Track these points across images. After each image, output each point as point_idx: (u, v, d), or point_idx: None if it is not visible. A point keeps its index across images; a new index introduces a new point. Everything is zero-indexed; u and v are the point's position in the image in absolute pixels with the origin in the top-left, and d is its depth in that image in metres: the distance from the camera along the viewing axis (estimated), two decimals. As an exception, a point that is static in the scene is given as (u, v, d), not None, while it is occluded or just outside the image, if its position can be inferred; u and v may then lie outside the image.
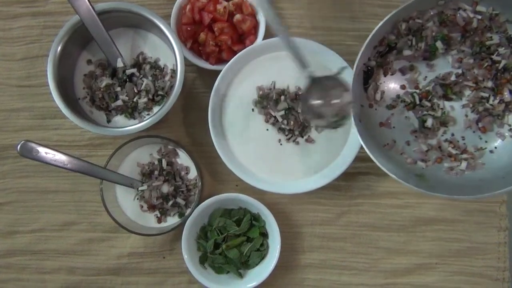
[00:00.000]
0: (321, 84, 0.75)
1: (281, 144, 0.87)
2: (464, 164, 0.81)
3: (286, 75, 0.88)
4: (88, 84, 0.90)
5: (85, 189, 0.94)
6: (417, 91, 0.85)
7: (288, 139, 0.87)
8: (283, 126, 0.87)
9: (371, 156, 0.75)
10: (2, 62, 0.96)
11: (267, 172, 0.87)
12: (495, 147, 0.82)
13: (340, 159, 0.86)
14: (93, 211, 0.94)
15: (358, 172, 0.91)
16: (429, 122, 0.83)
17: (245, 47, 0.87)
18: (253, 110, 0.88)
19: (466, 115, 0.83)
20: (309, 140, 0.87)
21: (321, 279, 0.91)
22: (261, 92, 0.88)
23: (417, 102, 0.84)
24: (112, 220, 0.85)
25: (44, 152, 0.76)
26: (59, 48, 0.84)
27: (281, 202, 0.92)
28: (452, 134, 0.84)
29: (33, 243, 0.94)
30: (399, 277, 0.91)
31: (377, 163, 0.75)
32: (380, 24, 0.76)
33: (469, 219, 0.91)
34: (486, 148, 0.82)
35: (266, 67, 0.88)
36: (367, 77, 0.85)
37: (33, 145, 0.75)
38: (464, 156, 0.82)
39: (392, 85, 0.86)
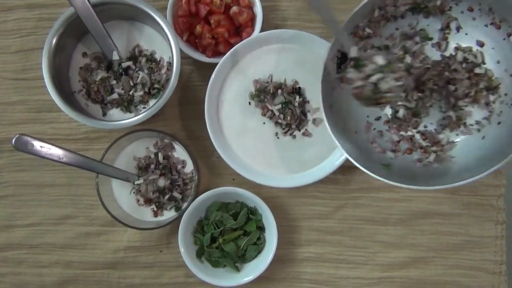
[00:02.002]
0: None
1: (278, 138, 0.87)
2: (432, 156, 0.81)
3: (283, 68, 0.87)
4: (83, 77, 0.89)
5: (81, 183, 0.93)
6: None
7: (285, 132, 0.87)
8: (280, 119, 0.86)
9: (337, 143, 0.75)
10: (-3, 55, 0.95)
11: (264, 166, 0.87)
12: (466, 141, 0.81)
13: (337, 153, 0.86)
14: (89, 205, 0.93)
15: (356, 165, 0.91)
16: (401, 112, 0.83)
17: (242, 40, 0.86)
18: (250, 103, 0.88)
19: (441, 107, 0.83)
20: (306, 134, 0.87)
21: (318, 272, 0.91)
22: (258, 86, 0.87)
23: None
24: (108, 214, 0.85)
25: (39, 146, 0.75)
26: (54, 41, 0.83)
27: (278, 196, 0.92)
28: (425, 126, 0.83)
29: (30, 237, 0.94)
30: (396, 271, 0.91)
31: (342, 149, 0.75)
32: (355, 10, 0.75)
33: (467, 213, 0.91)
34: (457, 141, 0.81)
35: (263, 60, 0.88)
36: (341, 62, 0.82)
37: (28, 138, 0.74)
38: (434, 148, 0.81)
39: None
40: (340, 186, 0.92)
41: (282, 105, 0.86)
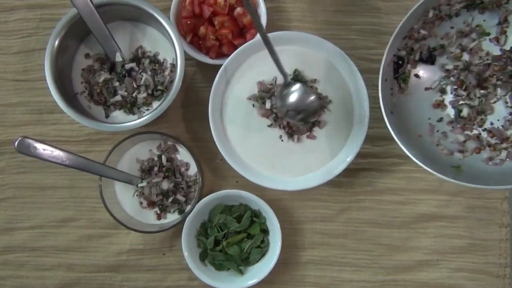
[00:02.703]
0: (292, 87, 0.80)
1: (282, 141, 0.86)
2: (504, 154, 0.79)
3: (288, 70, 0.86)
4: (86, 79, 0.89)
5: (84, 185, 0.93)
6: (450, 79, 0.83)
7: (290, 135, 0.86)
8: (284, 122, 0.85)
9: (403, 149, 0.74)
10: (-2, 56, 0.95)
11: (267, 169, 0.86)
12: None
13: (342, 156, 0.85)
14: (91, 207, 0.93)
15: (359, 168, 0.90)
16: (465, 111, 0.82)
17: (246, 41, 0.86)
18: (253, 105, 0.87)
19: (506, 102, 0.81)
20: (311, 137, 0.86)
21: (322, 275, 0.91)
22: (262, 87, 0.86)
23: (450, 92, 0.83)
24: (111, 216, 0.84)
25: (42, 149, 0.74)
26: (56, 42, 0.82)
27: (282, 199, 0.91)
28: (491, 123, 0.82)
29: (32, 239, 0.93)
30: (400, 274, 0.91)
31: (409, 155, 0.73)
32: (409, 13, 0.75)
33: (471, 216, 0.91)
34: None
35: (267, 62, 0.86)
36: (398, 67, 0.83)
37: (31, 141, 0.74)
38: (504, 145, 0.80)
39: (425, 74, 0.85)
40: (343, 189, 0.92)
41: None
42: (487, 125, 0.82)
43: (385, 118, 0.75)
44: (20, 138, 0.73)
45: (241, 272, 0.87)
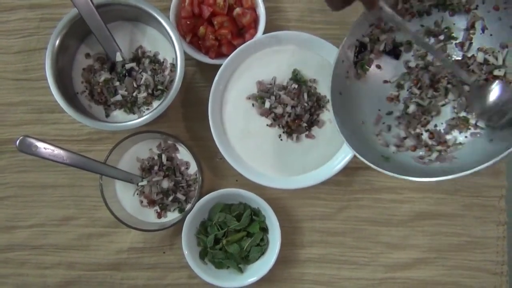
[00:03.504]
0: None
1: (281, 140, 0.87)
2: (434, 155, 0.79)
3: (287, 69, 0.87)
4: (86, 78, 0.89)
5: (84, 183, 0.93)
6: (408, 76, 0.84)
7: (289, 134, 0.87)
8: (283, 121, 0.86)
9: (337, 128, 0.76)
10: (-2, 55, 0.95)
11: (267, 167, 0.87)
12: (472, 143, 0.80)
13: (340, 154, 0.86)
14: (92, 206, 0.93)
15: (358, 167, 0.91)
16: (412, 108, 0.83)
17: (245, 41, 0.86)
18: (253, 105, 0.87)
19: (454, 107, 0.82)
20: (310, 136, 0.87)
21: (321, 273, 0.92)
22: (261, 87, 0.87)
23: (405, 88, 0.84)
24: (111, 215, 0.85)
25: (43, 148, 0.75)
26: (57, 42, 0.83)
27: (281, 197, 0.92)
28: (435, 125, 0.83)
29: (33, 238, 0.94)
30: (399, 271, 0.91)
31: (342, 136, 0.75)
32: None
33: (468, 214, 0.91)
34: (464, 143, 0.80)
35: (266, 61, 0.88)
36: (359, 52, 0.83)
37: (32, 140, 0.74)
38: (439, 147, 0.80)
39: (387, 66, 0.85)
40: (342, 188, 0.92)
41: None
42: (430, 126, 0.83)
43: (330, 95, 0.77)
44: (21, 137, 0.74)
45: (241, 270, 0.88)
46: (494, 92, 0.75)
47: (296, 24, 0.93)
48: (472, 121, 0.80)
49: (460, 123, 0.81)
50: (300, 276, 0.92)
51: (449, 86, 0.81)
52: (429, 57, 0.83)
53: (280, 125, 0.87)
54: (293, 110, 0.86)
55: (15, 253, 0.94)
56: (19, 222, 0.94)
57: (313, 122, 0.87)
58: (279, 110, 0.86)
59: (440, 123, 0.83)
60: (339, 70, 0.79)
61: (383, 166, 0.72)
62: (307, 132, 0.87)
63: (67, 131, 0.94)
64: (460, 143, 0.80)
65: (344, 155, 0.85)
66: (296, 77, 0.87)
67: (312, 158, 0.87)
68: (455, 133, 0.81)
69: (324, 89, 0.87)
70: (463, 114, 0.81)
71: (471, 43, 0.81)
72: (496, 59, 0.79)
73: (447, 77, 0.82)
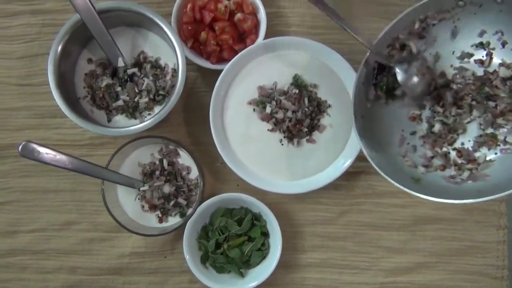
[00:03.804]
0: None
1: (282, 145, 0.87)
2: (466, 174, 0.77)
3: (288, 75, 0.88)
4: (88, 83, 0.90)
5: (86, 188, 0.94)
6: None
7: (290, 139, 0.87)
8: (284, 126, 0.86)
9: (364, 152, 0.74)
10: (1, 61, 0.96)
11: (268, 172, 0.88)
12: (503, 160, 0.77)
13: (341, 159, 0.87)
14: (93, 210, 0.93)
15: (359, 171, 0.91)
16: (437, 127, 0.81)
17: (246, 47, 0.87)
18: (254, 110, 0.88)
19: (480, 124, 0.80)
20: (310, 141, 0.87)
21: (322, 278, 0.92)
22: (262, 92, 0.87)
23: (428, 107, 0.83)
24: (113, 220, 0.85)
25: (46, 153, 0.75)
26: (59, 47, 0.83)
27: (282, 202, 0.92)
28: (462, 143, 0.81)
29: (34, 242, 0.94)
30: (400, 276, 0.91)
31: (369, 159, 0.74)
32: (395, 21, 0.75)
33: (469, 218, 0.91)
34: (494, 160, 0.78)
35: (267, 66, 0.88)
36: (378, 73, 0.82)
37: (35, 146, 0.75)
38: (469, 166, 0.78)
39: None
40: (343, 192, 0.92)
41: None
42: (457, 144, 0.81)
43: (353, 120, 0.76)
44: (24, 143, 0.74)
45: (242, 275, 0.88)
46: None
47: (296, 29, 0.94)
48: (501, 137, 0.78)
49: (488, 140, 0.79)
50: (301, 281, 0.92)
51: (473, 103, 0.80)
52: (449, 75, 0.82)
53: (281, 130, 0.87)
54: (294, 115, 0.86)
55: (16, 257, 0.94)
56: (21, 227, 0.94)
57: (314, 127, 0.87)
58: (280, 115, 0.86)
59: (467, 140, 0.80)
60: (359, 93, 0.78)
61: (415, 189, 0.71)
62: (308, 137, 0.87)
63: (69, 136, 0.94)
64: (490, 160, 0.78)
65: (345, 159, 0.86)
66: (297, 82, 0.87)
67: (313, 162, 0.87)
68: (484, 150, 0.79)
69: (324, 94, 0.88)
70: (490, 130, 0.79)
71: (491, 58, 0.80)
72: None
73: (471, 94, 0.80)
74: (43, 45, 0.95)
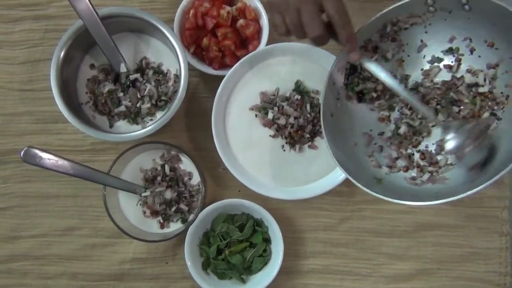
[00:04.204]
0: None
1: (284, 150, 0.87)
2: (426, 176, 0.79)
3: (290, 80, 0.88)
4: (91, 89, 0.90)
5: (87, 194, 0.93)
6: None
7: (291, 145, 0.87)
8: (286, 132, 0.86)
9: (330, 152, 0.75)
10: (3, 66, 0.96)
11: (270, 178, 0.87)
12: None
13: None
14: (95, 216, 0.93)
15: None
16: (403, 129, 0.82)
17: (248, 52, 0.87)
18: (256, 116, 0.88)
19: (444, 128, 0.80)
20: (312, 147, 0.87)
21: (324, 284, 0.91)
22: (264, 98, 0.88)
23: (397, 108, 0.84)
24: (114, 225, 0.85)
25: (48, 158, 0.75)
26: (62, 53, 0.84)
27: (284, 208, 0.92)
28: (426, 146, 0.82)
29: (35, 248, 0.94)
30: (401, 283, 0.91)
31: (335, 160, 0.74)
32: (366, 24, 0.76)
33: (471, 225, 0.91)
34: (455, 164, 0.78)
35: (269, 72, 0.88)
36: (350, 74, 0.82)
37: (37, 151, 0.75)
38: (430, 168, 0.80)
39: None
40: (345, 198, 0.92)
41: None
42: (422, 146, 0.82)
43: (321, 119, 0.77)
44: (26, 148, 0.74)
45: (244, 281, 0.88)
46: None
47: (296, 34, 0.94)
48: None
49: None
50: (303, 287, 0.92)
51: (438, 107, 0.81)
52: (417, 79, 0.83)
53: (283, 136, 0.87)
54: (296, 121, 0.86)
55: (18, 263, 0.94)
56: (22, 232, 0.94)
57: (315, 133, 0.88)
58: (282, 121, 0.86)
59: (431, 143, 0.82)
60: (329, 92, 0.79)
61: (375, 189, 0.71)
62: (310, 143, 0.87)
63: (71, 141, 0.94)
64: (451, 164, 0.79)
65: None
66: (299, 88, 0.87)
67: (315, 168, 0.87)
68: (446, 154, 0.80)
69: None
70: (452, 135, 0.79)
71: (459, 64, 0.81)
72: (478, 77, 0.78)
73: (436, 99, 0.81)
74: (45, 50, 0.95)
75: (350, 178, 0.73)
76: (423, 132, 0.82)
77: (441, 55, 0.82)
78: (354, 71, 0.82)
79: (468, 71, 0.80)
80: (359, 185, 0.72)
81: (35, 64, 0.95)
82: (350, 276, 0.91)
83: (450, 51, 0.81)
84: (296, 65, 0.88)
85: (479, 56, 0.79)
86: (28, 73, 0.95)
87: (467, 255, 0.91)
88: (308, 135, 0.87)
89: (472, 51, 0.79)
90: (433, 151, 0.81)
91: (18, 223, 0.94)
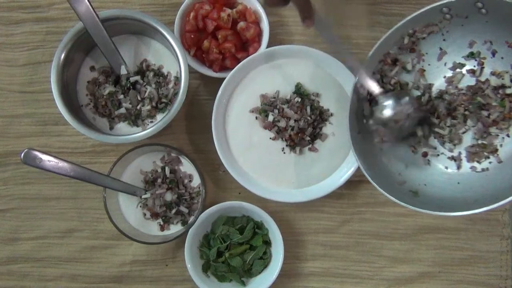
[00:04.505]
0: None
1: (284, 153, 0.87)
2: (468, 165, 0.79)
3: (290, 83, 0.88)
4: (91, 91, 0.90)
5: (87, 196, 0.93)
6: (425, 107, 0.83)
7: (292, 148, 0.87)
8: (286, 135, 0.86)
9: (362, 168, 0.75)
10: (4, 68, 0.96)
11: (270, 181, 0.87)
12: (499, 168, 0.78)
13: (343, 168, 0.86)
14: (95, 218, 0.93)
15: (361, 180, 0.91)
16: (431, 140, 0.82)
17: (248, 55, 0.87)
18: (256, 118, 0.88)
19: (475, 133, 0.80)
20: (313, 149, 0.87)
21: (324, 287, 0.91)
22: (264, 101, 0.88)
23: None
24: (114, 227, 0.85)
25: (48, 160, 0.75)
26: (62, 55, 0.84)
27: (284, 210, 0.92)
28: (460, 153, 0.81)
29: (35, 250, 0.93)
30: (402, 286, 0.91)
31: (368, 178, 0.74)
32: (383, 38, 0.76)
33: (472, 228, 0.91)
34: (489, 169, 0.78)
35: (270, 75, 0.88)
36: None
37: (37, 153, 0.75)
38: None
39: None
40: (345, 201, 0.92)
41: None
42: (455, 153, 0.82)
43: (348, 136, 0.77)
44: (26, 150, 0.74)
45: (244, 284, 0.88)
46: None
47: (299, 38, 0.94)
48: (491, 147, 0.79)
49: (479, 150, 0.79)
50: (303, 289, 0.92)
51: (466, 113, 0.80)
52: (441, 87, 0.83)
53: (283, 138, 0.87)
54: (296, 123, 0.86)
55: (17, 265, 0.93)
56: (22, 234, 0.94)
57: (316, 135, 0.87)
58: (282, 123, 0.86)
59: (463, 150, 0.81)
60: (354, 109, 0.79)
61: (413, 203, 0.71)
62: (310, 146, 0.87)
63: (71, 143, 0.94)
64: (487, 169, 0.79)
65: (347, 168, 0.86)
66: (299, 90, 0.87)
67: (315, 171, 0.87)
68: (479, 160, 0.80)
69: (327, 102, 0.88)
70: (482, 141, 0.79)
71: (482, 68, 0.80)
72: (505, 79, 0.78)
73: (464, 104, 0.80)
74: (46, 52, 0.95)
75: (389, 197, 0.73)
76: (454, 140, 0.81)
77: (462, 61, 0.81)
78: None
79: (493, 73, 0.79)
80: (398, 201, 0.72)
81: (36, 66, 0.95)
82: (351, 279, 0.91)
83: (471, 55, 0.80)
84: (296, 68, 0.88)
85: (502, 58, 0.78)
86: (28, 75, 0.95)
87: (468, 258, 0.91)
88: (308, 138, 0.87)
89: (494, 53, 0.79)
90: (465, 158, 0.81)
91: (18, 225, 0.94)
